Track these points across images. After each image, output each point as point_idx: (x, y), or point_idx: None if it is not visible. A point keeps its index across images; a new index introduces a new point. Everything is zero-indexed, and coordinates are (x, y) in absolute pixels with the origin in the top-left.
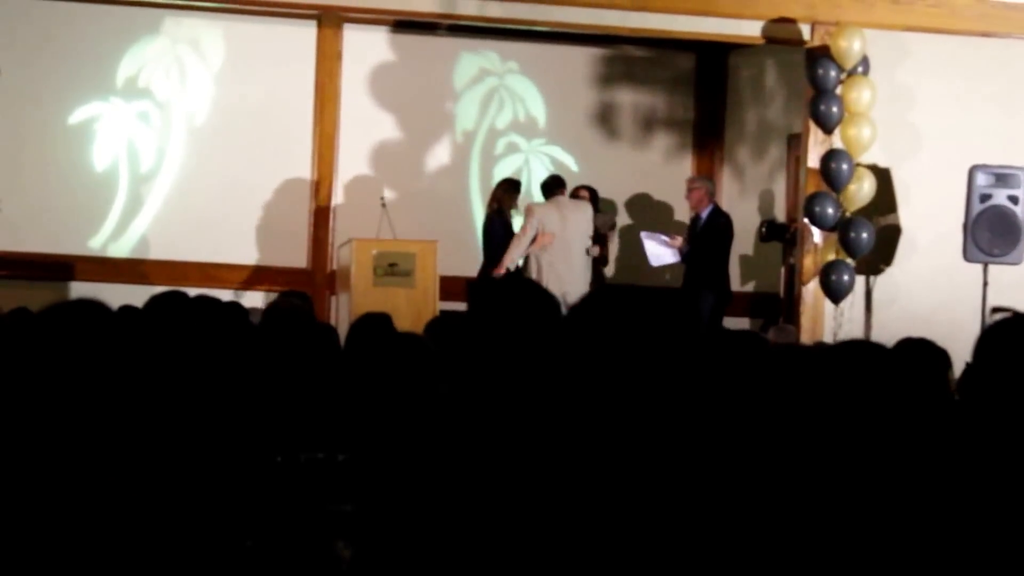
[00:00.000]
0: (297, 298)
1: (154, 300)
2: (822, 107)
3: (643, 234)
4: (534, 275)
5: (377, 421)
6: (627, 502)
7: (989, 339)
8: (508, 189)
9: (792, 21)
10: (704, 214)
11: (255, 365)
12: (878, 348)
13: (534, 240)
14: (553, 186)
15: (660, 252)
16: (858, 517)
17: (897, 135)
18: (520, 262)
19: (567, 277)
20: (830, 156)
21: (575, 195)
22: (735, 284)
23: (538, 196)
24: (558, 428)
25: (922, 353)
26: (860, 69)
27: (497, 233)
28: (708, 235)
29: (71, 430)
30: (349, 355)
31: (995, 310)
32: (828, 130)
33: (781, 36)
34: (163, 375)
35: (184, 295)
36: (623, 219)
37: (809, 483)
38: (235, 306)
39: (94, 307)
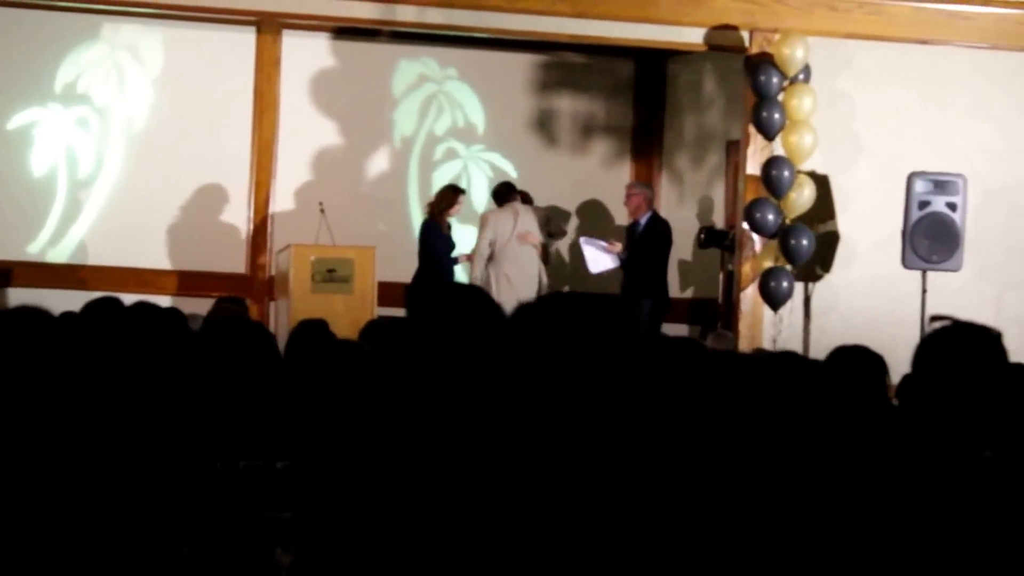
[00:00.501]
0: (233, 303)
1: (89, 306)
2: (764, 114)
3: (582, 240)
4: (490, 283)
5: (315, 428)
6: (565, 505)
7: (928, 348)
8: (446, 195)
9: (733, 28)
10: (643, 220)
11: (194, 372)
12: (809, 360)
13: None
14: (505, 193)
15: (599, 258)
16: (792, 520)
17: (837, 142)
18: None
19: (519, 284)
20: (771, 163)
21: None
22: (674, 291)
23: (480, 203)
24: (496, 432)
25: (857, 360)
26: (801, 77)
27: (430, 240)
28: (647, 241)
29: (8, 436)
30: (288, 362)
31: (934, 318)
32: (770, 137)
33: (722, 43)
34: (102, 382)
35: (118, 301)
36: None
37: (745, 486)
38: (173, 312)
39: (35, 314)
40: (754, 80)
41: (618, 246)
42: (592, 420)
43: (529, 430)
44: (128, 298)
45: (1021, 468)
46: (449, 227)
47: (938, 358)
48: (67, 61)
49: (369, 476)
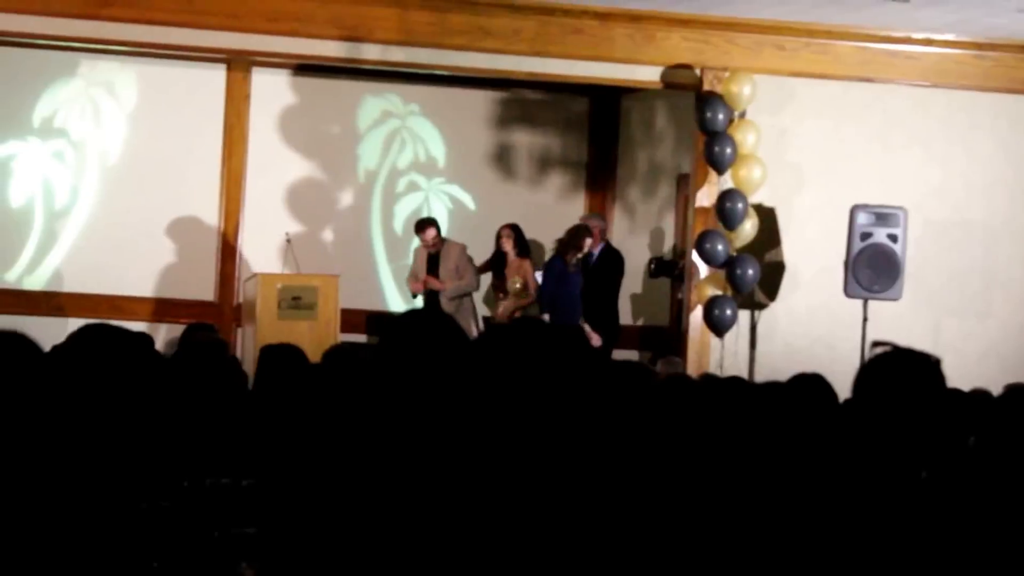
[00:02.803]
0: (204, 330)
1: (82, 331)
2: (715, 148)
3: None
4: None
5: (281, 447)
6: (521, 527)
7: (869, 372)
8: (578, 233)
9: (685, 67)
10: (596, 251)
11: (164, 393)
12: (753, 384)
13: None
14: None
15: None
16: (738, 535)
17: (782, 175)
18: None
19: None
20: (725, 195)
21: (500, 235)
22: (626, 318)
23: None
24: (455, 455)
25: (813, 389)
26: (744, 112)
27: (559, 276)
28: (600, 272)
29: None
30: (257, 384)
31: (875, 344)
32: (721, 170)
33: (676, 81)
34: (70, 401)
35: (109, 327)
36: None
37: (695, 503)
38: (142, 336)
39: (17, 340)
40: (701, 116)
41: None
42: (547, 442)
43: (486, 452)
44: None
45: (955, 488)
46: (577, 265)
47: (879, 382)
48: (45, 96)
49: (332, 494)
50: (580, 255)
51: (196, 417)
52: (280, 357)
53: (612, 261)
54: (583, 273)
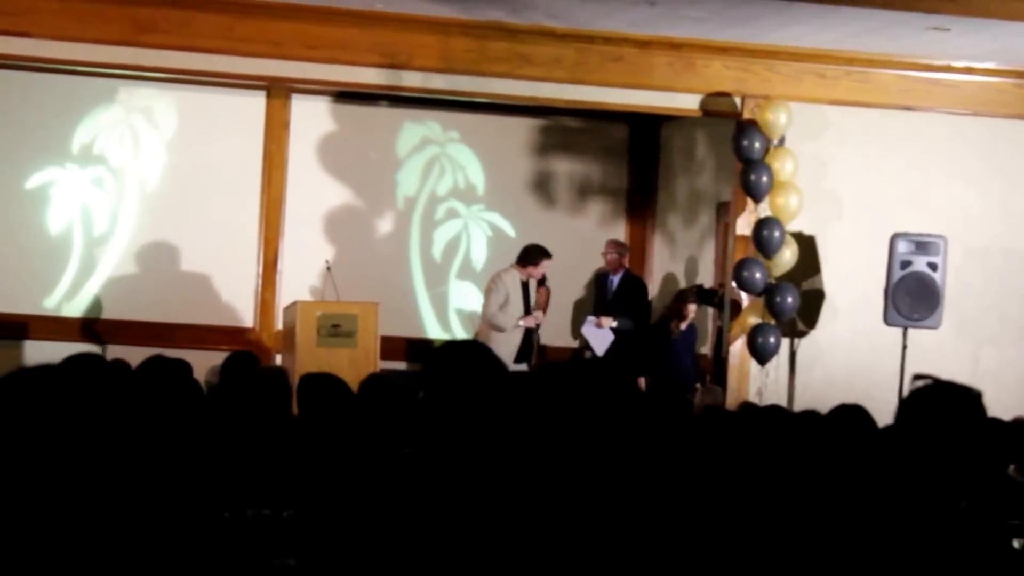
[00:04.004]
0: (248, 359)
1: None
2: (752, 176)
3: (583, 330)
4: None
5: (321, 478)
6: (564, 561)
7: (911, 405)
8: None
9: (724, 94)
10: (616, 278)
11: (204, 422)
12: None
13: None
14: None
15: (599, 336)
16: (781, 564)
17: (821, 203)
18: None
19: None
20: (762, 224)
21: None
22: None
23: (479, 261)
24: (496, 489)
25: (854, 419)
26: (783, 140)
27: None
28: (621, 299)
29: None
30: (298, 414)
31: (916, 377)
32: (758, 199)
33: (715, 109)
34: (113, 432)
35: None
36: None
37: (734, 532)
38: (181, 363)
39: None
40: (737, 144)
41: (605, 320)
42: (586, 475)
43: (527, 488)
44: (141, 351)
45: (993, 516)
46: (679, 332)
47: (920, 416)
48: (84, 123)
49: (370, 524)
50: (684, 323)
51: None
52: (318, 386)
53: (633, 288)
54: (600, 298)
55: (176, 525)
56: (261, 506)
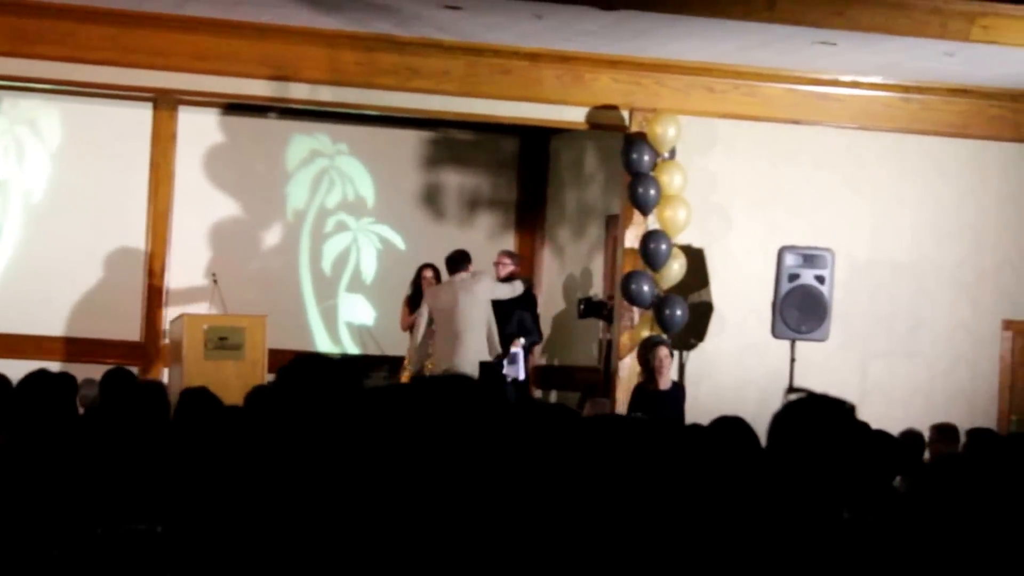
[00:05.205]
0: (125, 376)
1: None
2: (640, 189)
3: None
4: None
5: (196, 492)
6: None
7: (783, 419)
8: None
9: (613, 107)
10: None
11: (82, 438)
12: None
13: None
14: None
15: (516, 361)
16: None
17: (709, 216)
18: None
19: (448, 352)
20: (650, 236)
21: (420, 274)
22: (554, 359)
23: (368, 274)
24: (370, 501)
25: (734, 432)
26: (673, 154)
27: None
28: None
29: None
30: (174, 428)
31: (790, 390)
32: (646, 212)
33: (603, 122)
34: None
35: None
36: None
37: (615, 547)
38: (65, 377)
39: None
40: (627, 157)
41: (516, 344)
42: (463, 487)
43: (401, 497)
44: (24, 365)
45: (878, 526)
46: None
47: (793, 430)
48: None
49: (243, 539)
50: (659, 375)
51: (116, 462)
52: (196, 401)
53: (528, 294)
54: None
55: (51, 541)
56: (136, 522)
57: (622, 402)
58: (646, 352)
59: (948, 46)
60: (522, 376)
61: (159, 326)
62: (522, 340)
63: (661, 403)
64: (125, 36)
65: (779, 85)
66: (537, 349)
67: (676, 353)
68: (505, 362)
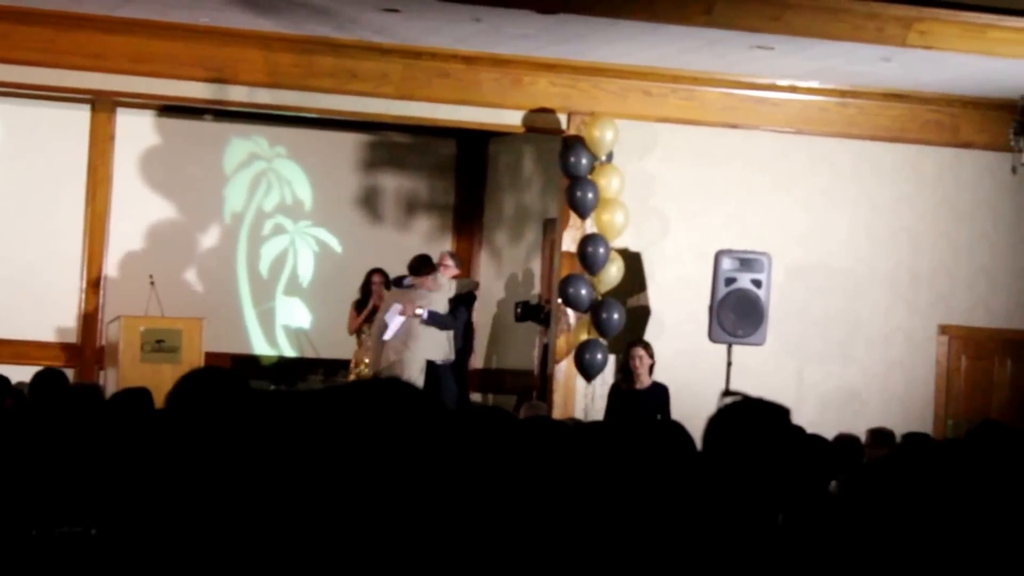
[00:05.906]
0: (56, 377)
1: None
2: (578, 193)
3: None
4: None
5: (129, 495)
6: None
7: (717, 423)
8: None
9: (550, 111)
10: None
11: (14, 439)
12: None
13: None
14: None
15: (396, 322)
16: None
17: (646, 220)
18: None
19: (375, 357)
20: (588, 240)
21: (369, 279)
22: (491, 362)
23: (305, 277)
24: (303, 508)
25: (670, 435)
26: (610, 157)
27: None
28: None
29: None
30: (107, 429)
31: (725, 393)
32: (584, 215)
33: (540, 125)
34: None
35: None
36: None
37: (551, 553)
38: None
39: None
40: (564, 160)
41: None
42: (395, 492)
43: (333, 504)
44: None
45: (811, 530)
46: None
47: (727, 433)
48: None
49: (170, 541)
50: (635, 374)
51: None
52: (129, 402)
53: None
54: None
55: None
56: (70, 524)
57: (559, 405)
58: (625, 361)
59: (885, 51)
60: (388, 336)
61: (96, 328)
62: (398, 306)
63: (639, 403)
64: (62, 38)
65: (716, 89)
66: (475, 356)
67: (614, 356)
68: (386, 317)
